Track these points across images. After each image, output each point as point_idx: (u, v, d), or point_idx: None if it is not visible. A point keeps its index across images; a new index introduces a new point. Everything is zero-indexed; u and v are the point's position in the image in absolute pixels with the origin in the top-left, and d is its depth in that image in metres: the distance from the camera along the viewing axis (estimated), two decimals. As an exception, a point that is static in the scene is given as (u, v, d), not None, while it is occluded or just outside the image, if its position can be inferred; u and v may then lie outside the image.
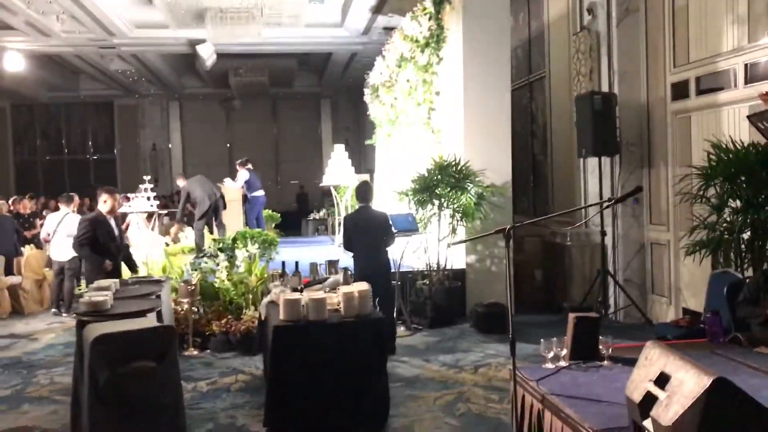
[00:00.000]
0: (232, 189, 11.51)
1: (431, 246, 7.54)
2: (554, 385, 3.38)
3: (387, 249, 6.36)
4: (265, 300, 5.27)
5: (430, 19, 8.06)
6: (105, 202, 6.25)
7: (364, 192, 6.42)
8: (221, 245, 7.17)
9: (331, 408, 4.35)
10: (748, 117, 3.03)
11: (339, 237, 10.79)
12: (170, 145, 22.29)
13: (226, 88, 20.45)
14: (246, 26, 12.53)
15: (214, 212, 10.35)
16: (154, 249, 8.13)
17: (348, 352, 4.40)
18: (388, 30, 13.28)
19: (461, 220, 7.48)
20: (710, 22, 6.08)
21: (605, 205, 3.28)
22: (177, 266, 7.27)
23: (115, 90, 20.56)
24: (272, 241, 7.48)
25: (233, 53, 16.20)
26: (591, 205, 4.45)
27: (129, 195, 11.29)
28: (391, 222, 6.52)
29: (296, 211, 19.19)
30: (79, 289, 7.26)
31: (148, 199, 10.54)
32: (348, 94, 21.00)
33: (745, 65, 5.65)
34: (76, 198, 9.70)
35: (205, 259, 7.11)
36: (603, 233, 7.00)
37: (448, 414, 4.64)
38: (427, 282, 7.43)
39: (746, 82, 5.66)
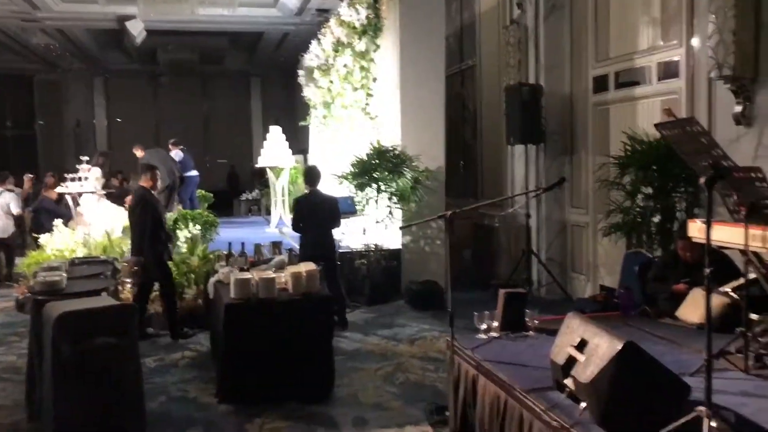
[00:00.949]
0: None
1: (368, 227, 7.87)
2: (487, 353, 3.79)
3: (333, 231, 6.74)
4: (212, 279, 5.49)
5: (367, 7, 8.31)
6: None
7: (312, 176, 6.73)
8: (163, 226, 7.26)
9: (280, 380, 4.64)
10: (655, 125, 3.48)
11: (273, 218, 11.02)
12: (95, 122, 21.72)
13: (154, 64, 20.05)
14: (179, 5, 12.43)
15: (170, 192, 10.32)
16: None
17: (296, 328, 4.70)
18: (322, 12, 13.41)
19: (398, 203, 7.85)
20: (628, 22, 6.59)
21: (532, 194, 3.66)
22: (118, 246, 7.33)
23: (35, 64, 19.82)
24: (213, 222, 7.64)
25: (163, 30, 15.93)
26: (519, 195, 4.83)
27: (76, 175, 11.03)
28: (348, 205, 6.87)
29: (227, 190, 19.10)
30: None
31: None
32: (279, 73, 20.96)
33: (658, 63, 6.19)
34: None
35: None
36: (528, 216, 7.50)
37: (388, 383, 5.01)
38: (365, 262, 7.76)
39: (659, 78, 6.20)
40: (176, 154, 11.78)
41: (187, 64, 19.12)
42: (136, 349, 4.08)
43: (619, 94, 6.78)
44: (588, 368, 2.74)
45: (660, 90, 6.18)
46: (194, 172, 11.81)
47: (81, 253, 7.19)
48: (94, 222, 8.36)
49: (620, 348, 2.61)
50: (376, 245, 7.85)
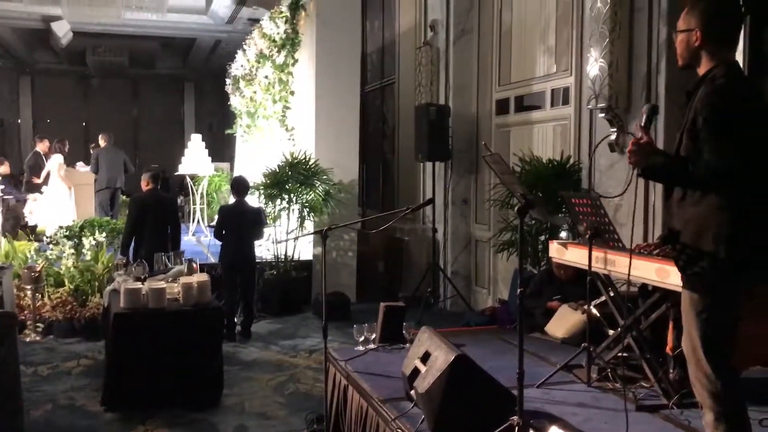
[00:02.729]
0: (86, 173, 11.35)
1: (280, 238, 7.99)
2: (359, 365, 3.98)
3: (255, 242, 6.96)
4: (109, 288, 5.53)
5: (286, 22, 8.47)
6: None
7: (238, 187, 6.92)
8: (68, 233, 7.24)
9: (168, 389, 4.72)
10: (483, 156, 3.79)
11: (193, 225, 11.01)
12: (20, 121, 21.15)
13: (83, 65, 19.69)
14: (105, 8, 12.31)
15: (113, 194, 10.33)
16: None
17: (185, 338, 4.79)
18: (253, 21, 13.50)
19: (309, 214, 8.00)
20: (527, 49, 6.93)
21: (402, 213, 3.86)
22: (21, 252, 7.26)
23: (-45, 61, 19.21)
24: (120, 229, 7.62)
25: (91, 32, 15.73)
26: (393, 212, 4.97)
27: None
28: (262, 217, 7.03)
29: (156, 196, 18.88)
30: None
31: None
32: (213, 79, 20.84)
33: (552, 90, 6.54)
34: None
35: (51, 246, 7.16)
36: (434, 230, 7.76)
37: (277, 393, 5.14)
38: (275, 272, 7.88)
39: (552, 104, 6.56)
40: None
41: (117, 67, 18.86)
42: (16, 359, 4.10)
43: (519, 117, 7.11)
44: (426, 379, 2.95)
45: (553, 115, 6.53)
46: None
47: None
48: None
49: (452, 360, 2.83)
50: (286, 256, 7.97)
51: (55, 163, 10.61)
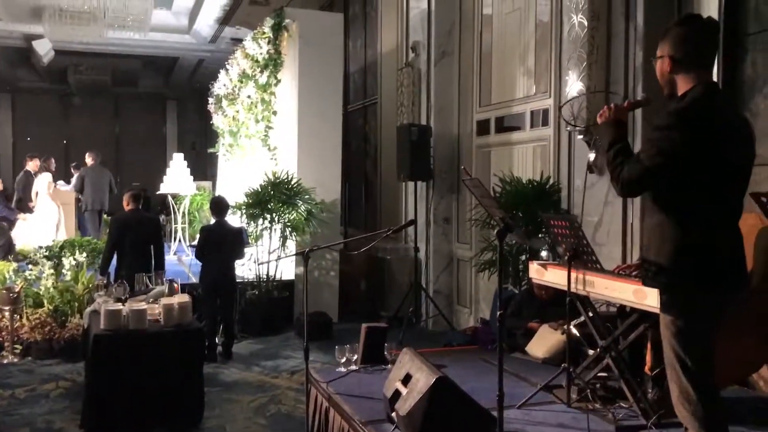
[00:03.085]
0: (69, 193, 11.26)
1: (261, 258, 7.97)
2: (341, 386, 3.98)
3: (235, 262, 6.98)
4: (89, 309, 5.49)
5: (268, 43, 8.52)
6: None
7: (218, 207, 6.93)
8: (48, 253, 7.18)
9: (148, 411, 4.68)
10: (462, 180, 3.92)
11: (175, 245, 10.96)
12: (-1, 139, 20.99)
13: (64, 84, 19.62)
14: (87, 27, 12.30)
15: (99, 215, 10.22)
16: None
17: (165, 360, 4.76)
18: (236, 41, 13.55)
19: (291, 234, 8.00)
20: (507, 71, 7.03)
21: (384, 234, 3.88)
22: (0, 272, 7.18)
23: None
24: (101, 249, 7.57)
25: (73, 51, 15.70)
26: (375, 233, 4.98)
27: None
28: (243, 236, 7.04)
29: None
30: None
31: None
32: (196, 97, 20.86)
33: (532, 111, 6.63)
34: None
35: (30, 266, 7.10)
36: (416, 249, 7.79)
37: (259, 415, 5.11)
38: (256, 292, 7.85)
39: (531, 126, 6.64)
40: (77, 178, 11.57)
41: (99, 85, 18.81)
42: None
43: (499, 138, 7.20)
44: (407, 401, 2.96)
45: (533, 136, 6.61)
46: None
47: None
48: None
49: (432, 382, 2.85)
50: (268, 276, 7.96)
51: (43, 181, 10.55)
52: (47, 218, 10.32)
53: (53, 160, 11.49)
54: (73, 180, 11.53)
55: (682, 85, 2.64)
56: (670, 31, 2.67)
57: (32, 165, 11.19)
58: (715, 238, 2.54)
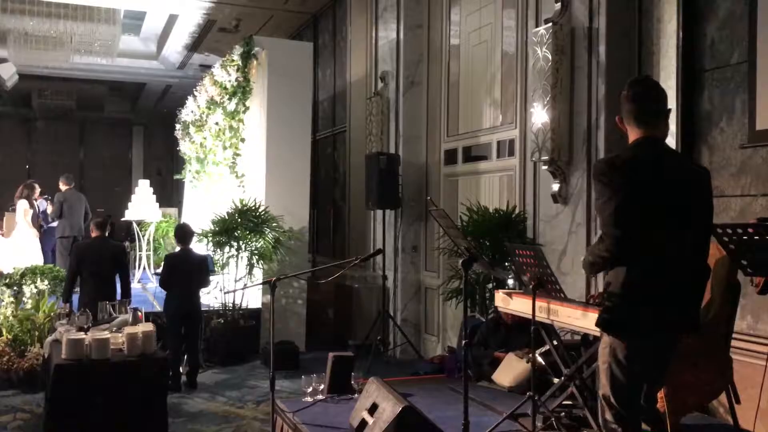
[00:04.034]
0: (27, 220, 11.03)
1: (228, 286, 7.90)
2: (307, 416, 3.96)
3: (201, 291, 6.93)
4: (50, 338, 5.38)
5: (237, 70, 8.55)
6: None
7: (183, 235, 6.90)
8: (8, 280, 7.02)
9: (109, 443, 4.59)
10: (429, 210, 4.15)
11: (139, 272, 10.80)
12: (-42, 162, 20.55)
13: (28, 108, 19.36)
14: (53, 52, 12.20)
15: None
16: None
17: (129, 390, 4.68)
18: (205, 67, 13.56)
19: (258, 262, 7.96)
20: (474, 101, 7.16)
21: (352, 263, 3.90)
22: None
23: None
24: (63, 277, 7.43)
25: (38, 75, 15.53)
26: (343, 262, 4.98)
27: None
28: (209, 264, 6.97)
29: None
30: None
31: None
32: (163, 123, 20.70)
33: (498, 141, 6.75)
34: None
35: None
36: (384, 277, 7.80)
37: (223, 446, 5.04)
38: (222, 321, 7.77)
39: (498, 155, 6.75)
40: (40, 203, 11.37)
41: (64, 110, 18.61)
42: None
43: (466, 167, 7.29)
44: (373, 431, 2.96)
45: (499, 166, 6.72)
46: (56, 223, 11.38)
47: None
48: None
49: (398, 411, 2.85)
50: (234, 304, 7.88)
51: (20, 208, 10.38)
52: (24, 243, 10.13)
53: (37, 186, 11.08)
54: (48, 206, 11.28)
55: (630, 139, 2.94)
56: (622, 91, 2.97)
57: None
58: (652, 284, 2.73)
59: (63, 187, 10.62)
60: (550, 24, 5.34)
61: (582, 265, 3.01)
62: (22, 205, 10.41)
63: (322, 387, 4.36)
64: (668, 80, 4.81)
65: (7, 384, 6.33)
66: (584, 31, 5.23)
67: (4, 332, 6.64)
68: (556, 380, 4.13)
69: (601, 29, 5.11)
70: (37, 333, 6.66)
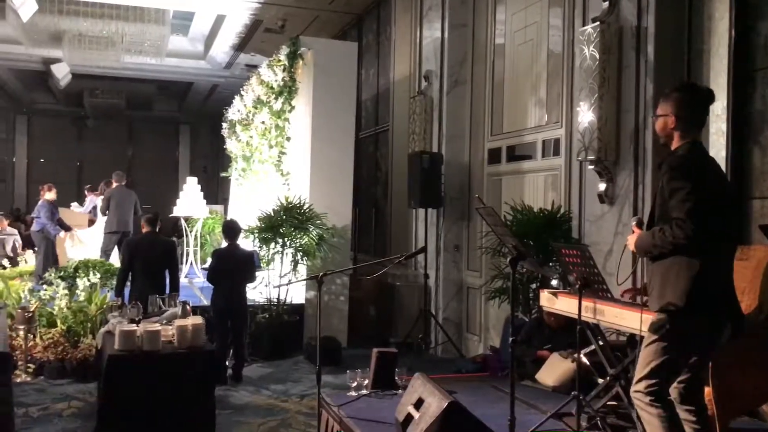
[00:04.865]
0: (79, 215, 11.39)
1: (273, 282, 8.03)
2: (352, 410, 4.02)
3: (247, 286, 7.02)
4: (103, 330, 5.55)
5: (284, 71, 8.67)
6: None
7: (230, 231, 7.03)
8: (63, 273, 7.27)
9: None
10: (476, 207, 4.26)
11: (186, 267, 11.04)
12: (14, 159, 21.29)
13: (79, 106, 19.92)
14: (105, 52, 12.55)
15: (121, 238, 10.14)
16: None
17: (178, 382, 4.80)
18: (251, 67, 13.79)
19: (302, 258, 8.07)
20: (519, 101, 7.14)
21: (396, 260, 3.95)
22: (15, 292, 7.27)
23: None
24: (115, 271, 7.66)
25: (90, 74, 15.98)
26: (387, 259, 5.02)
27: None
28: (255, 260, 7.10)
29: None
30: None
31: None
32: (209, 122, 21.13)
33: (543, 141, 6.72)
34: None
35: (45, 286, 7.19)
36: (426, 276, 7.84)
37: (268, 438, 5.14)
38: (267, 316, 7.90)
39: (543, 155, 6.72)
40: (91, 200, 11.72)
41: (114, 109, 19.10)
42: (10, 398, 4.11)
43: (510, 166, 7.27)
44: (419, 426, 3.00)
45: (543, 166, 6.69)
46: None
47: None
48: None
49: (445, 406, 2.89)
50: (279, 299, 8.01)
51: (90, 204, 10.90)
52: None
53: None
54: (98, 201, 11.56)
55: (678, 139, 3.11)
56: (673, 93, 3.14)
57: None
58: (721, 272, 2.94)
59: (114, 183, 10.92)
60: (598, 23, 5.30)
61: (632, 246, 3.18)
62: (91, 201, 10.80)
63: (366, 382, 4.42)
64: (718, 78, 4.74)
65: (61, 373, 6.55)
66: (632, 29, 5.18)
67: (58, 323, 6.88)
68: (600, 380, 4.11)
69: (650, 28, 5.05)
70: (89, 324, 6.89)
